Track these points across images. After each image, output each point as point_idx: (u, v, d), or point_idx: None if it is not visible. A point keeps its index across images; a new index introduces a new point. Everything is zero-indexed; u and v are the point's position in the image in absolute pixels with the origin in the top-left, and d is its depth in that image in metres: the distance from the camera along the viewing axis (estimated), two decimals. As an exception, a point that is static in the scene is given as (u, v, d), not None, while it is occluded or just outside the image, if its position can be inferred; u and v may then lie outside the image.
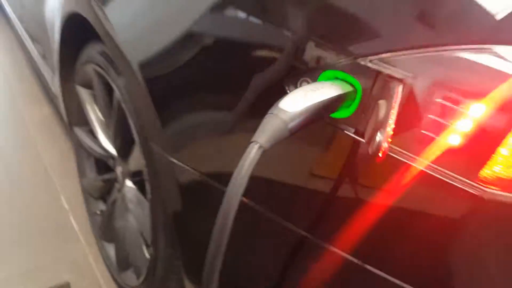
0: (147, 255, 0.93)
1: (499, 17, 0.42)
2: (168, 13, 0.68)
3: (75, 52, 1.09)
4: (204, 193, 0.66)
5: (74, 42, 1.08)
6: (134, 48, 0.72)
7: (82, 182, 1.24)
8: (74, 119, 1.20)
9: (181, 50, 0.64)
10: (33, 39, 1.69)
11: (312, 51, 0.49)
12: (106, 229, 1.14)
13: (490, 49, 0.42)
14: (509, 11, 0.42)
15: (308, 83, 0.47)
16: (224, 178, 0.59)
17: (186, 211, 0.71)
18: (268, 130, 0.40)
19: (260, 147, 0.39)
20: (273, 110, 0.40)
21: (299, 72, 0.49)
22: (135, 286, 0.98)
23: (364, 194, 0.46)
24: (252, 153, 0.39)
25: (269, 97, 0.45)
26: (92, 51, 0.97)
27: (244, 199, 0.54)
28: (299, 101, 0.41)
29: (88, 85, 1.08)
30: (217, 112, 0.59)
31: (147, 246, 0.93)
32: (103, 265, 1.16)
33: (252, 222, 0.59)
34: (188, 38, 0.63)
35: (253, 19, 0.56)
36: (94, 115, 1.09)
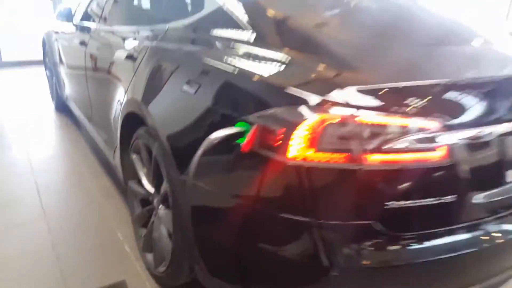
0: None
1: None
2: (179, 109, 1.39)
3: (129, 134, 1.83)
4: (199, 194, 1.30)
5: (129, 129, 1.83)
6: (163, 128, 1.42)
7: (132, 216, 1.90)
8: (128, 175, 1.90)
9: (186, 128, 1.33)
10: (99, 131, 2.49)
11: (231, 117, 1.16)
12: (147, 244, 1.76)
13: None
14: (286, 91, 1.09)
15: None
16: (210, 182, 1.23)
17: (192, 209, 1.34)
18: (206, 143, 1.07)
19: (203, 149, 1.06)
20: (208, 137, 1.08)
21: (227, 125, 1.15)
22: (165, 270, 1.57)
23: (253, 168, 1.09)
24: (200, 151, 1.06)
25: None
26: (140, 132, 1.70)
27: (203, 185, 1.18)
28: (221, 133, 1.09)
29: (137, 152, 1.79)
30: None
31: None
32: (145, 269, 1.76)
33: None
34: (190, 123, 1.33)
35: (215, 112, 1.25)
36: (141, 170, 1.78)
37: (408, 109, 1.05)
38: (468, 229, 1.15)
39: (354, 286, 1.11)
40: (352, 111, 1.00)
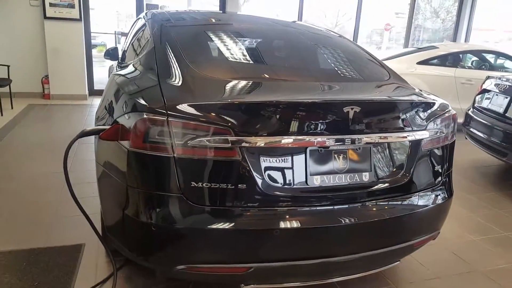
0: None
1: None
2: (100, 116, 1.99)
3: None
4: (104, 175, 1.85)
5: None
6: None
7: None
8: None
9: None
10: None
11: (113, 118, 1.71)
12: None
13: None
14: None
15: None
16: (109, 167, 1.77)
17: (100, 185, 1.90)
18: (80, 133, 1.66)
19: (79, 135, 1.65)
20: (83, 129, 1.65)
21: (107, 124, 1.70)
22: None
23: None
24: (75, 136, 1.65)
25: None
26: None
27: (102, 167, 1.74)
28: (94, 129, 1.65)
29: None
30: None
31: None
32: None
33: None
34: (102, 123, 1.92)
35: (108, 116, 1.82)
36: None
37: (210, 118, 1.47)
38: (256, 212, 1.50)
39: (169, 237, 1.54)
40: (168, 117, 1.47)
